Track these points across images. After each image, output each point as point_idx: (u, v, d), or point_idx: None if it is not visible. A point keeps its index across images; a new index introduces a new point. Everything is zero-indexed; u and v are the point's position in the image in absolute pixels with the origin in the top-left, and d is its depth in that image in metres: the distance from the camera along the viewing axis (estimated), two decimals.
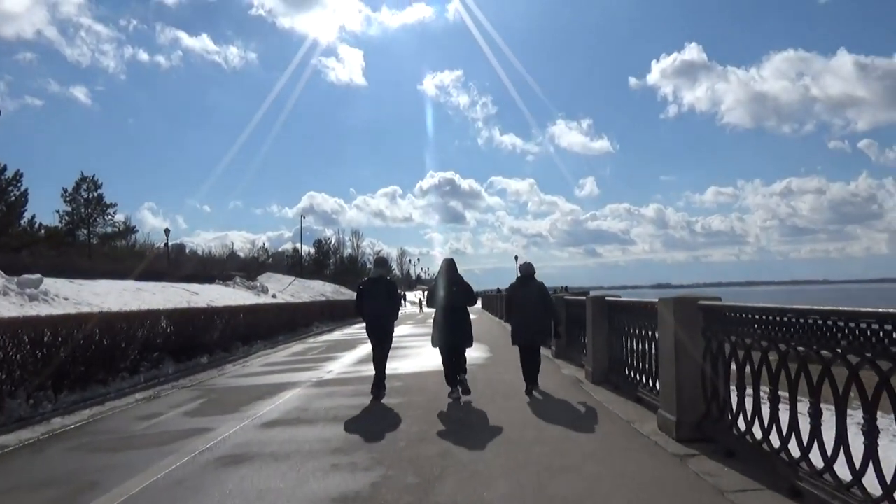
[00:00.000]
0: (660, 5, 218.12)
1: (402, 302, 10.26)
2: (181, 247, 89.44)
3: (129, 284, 27.34)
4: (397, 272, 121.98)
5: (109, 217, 54.36)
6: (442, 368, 9.13)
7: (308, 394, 10.37)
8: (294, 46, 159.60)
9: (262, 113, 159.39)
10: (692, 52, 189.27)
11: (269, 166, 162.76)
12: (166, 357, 13.67)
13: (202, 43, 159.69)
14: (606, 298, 9.70)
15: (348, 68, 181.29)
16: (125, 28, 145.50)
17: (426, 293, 9.83)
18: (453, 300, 8.88)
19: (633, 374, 8.10)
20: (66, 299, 19.70)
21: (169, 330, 14.43)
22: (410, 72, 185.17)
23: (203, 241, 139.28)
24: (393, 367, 12.44)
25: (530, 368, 9.05)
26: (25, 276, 19.33)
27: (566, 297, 13.35)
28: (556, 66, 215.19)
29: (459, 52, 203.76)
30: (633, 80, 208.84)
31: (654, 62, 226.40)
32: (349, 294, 60.37)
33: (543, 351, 10.39)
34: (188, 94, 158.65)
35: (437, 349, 9.11)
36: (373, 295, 9.36)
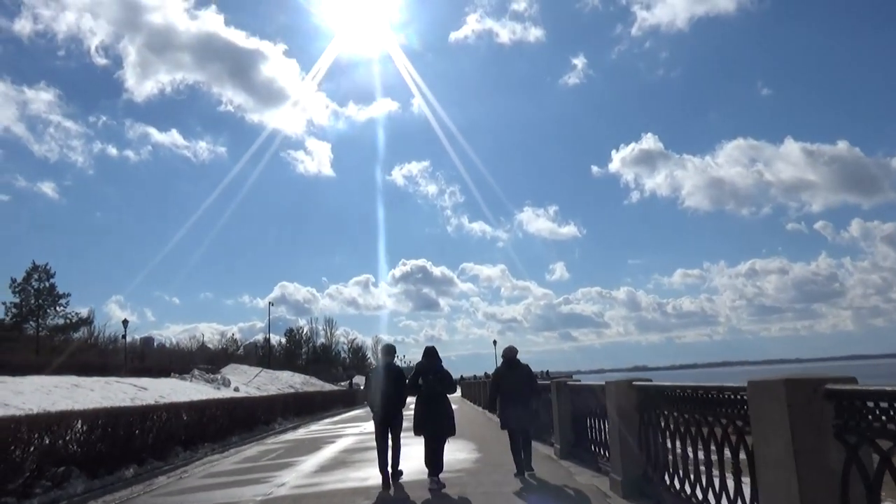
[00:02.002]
0: (615, 99, 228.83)
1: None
2: (149, 340, 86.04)
3: (65, 380, 24.17)
4: (372, 360, 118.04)
5: (61, 308, 50.89)
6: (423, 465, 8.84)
7: None
8: (262, 140, 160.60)
9: (232, 204, 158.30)
10: (649, 141, 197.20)
11: (240, 257, 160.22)
12: (74, 471, 10.84)
13: (171, 138, 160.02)
14: (567, 382, 10.87)
15: (316, 160, 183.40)
16: (94, 124, 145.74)
17: (407, 384, 9.28)
18: (434, 388, 8.84)
19: (594, 448, 9.09)
20: None
21: (86, 436, 11.66)
22: (378, 163, 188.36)
23: (172, 333, 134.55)
24: (361, 476, 9.95)
25: (525, 453, 9.14)
26: None
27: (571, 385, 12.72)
28: (520, 156, 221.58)
29: (425, 143, 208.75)
30: (595, 169, 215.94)
31: (613, 151, 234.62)
32: (319, 385, 56.86)
33: (545, 449, 10.92)
34: (157, 188, 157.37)
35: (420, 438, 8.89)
36: (381, 382, 9.15)
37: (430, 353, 9.13)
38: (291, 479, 10.76)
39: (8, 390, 19.44)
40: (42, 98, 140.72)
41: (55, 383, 22.95)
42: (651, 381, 6.75)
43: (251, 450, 17.00)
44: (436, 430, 8.71)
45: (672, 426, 5.96)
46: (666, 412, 6.07)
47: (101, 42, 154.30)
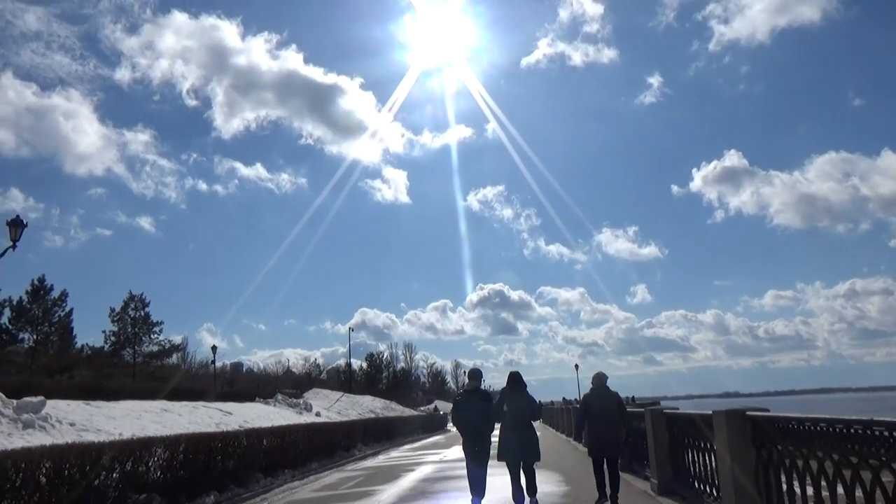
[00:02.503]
0: (694, 116, 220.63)
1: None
2: (238, 365, 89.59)
3: (155, 405, 24.90)
4: (452, 385, 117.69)
5: (155, 335, 53.14)
6: None
7: None
8: (341, 170, 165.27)
9: (313, 234, 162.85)
10: (732, 158, 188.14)
11: (322, 284, 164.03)
12: (156, 498, 10.79)
13: (256, 171, 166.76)
14: (663, 410, 9.95)
15: (393, 188, 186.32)
16: (186, 161, 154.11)
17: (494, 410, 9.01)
18: (520, 414, 8.65)
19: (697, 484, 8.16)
20: (71, 425, 17.26)
21: (168, 462, 11.66)
22: (453, 188, 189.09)
23: (259, 359, 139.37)
24: None
25: (613, 483, 8.72)
26: (26, 399, 17.04)
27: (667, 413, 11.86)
28: (597, 177, 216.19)
29: (500, 167, 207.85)
30: (675, 188, 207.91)
31: (694, 170, 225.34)
32: (399, 410, 56.73)
33: (641, 484, 10.13)
34: (243, 219, 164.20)
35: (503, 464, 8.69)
36: (468, 406, 8.96)
37: (515, 379, 8.90)
38: None
39: (102, 415, 20.13)
40: (140, 139, 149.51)
41: (146, 408, 23.67)
42: (768, 410, 6.07)
43: (330, 477, 16.72)
44: (523, 456, 8.54)
45: (800, 466, 5.14)
46: (791, 449, 5.20)
47: (192, 85, 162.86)
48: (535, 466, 8.82)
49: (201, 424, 22.35)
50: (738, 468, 6.06)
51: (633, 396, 63.98)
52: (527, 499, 8.51)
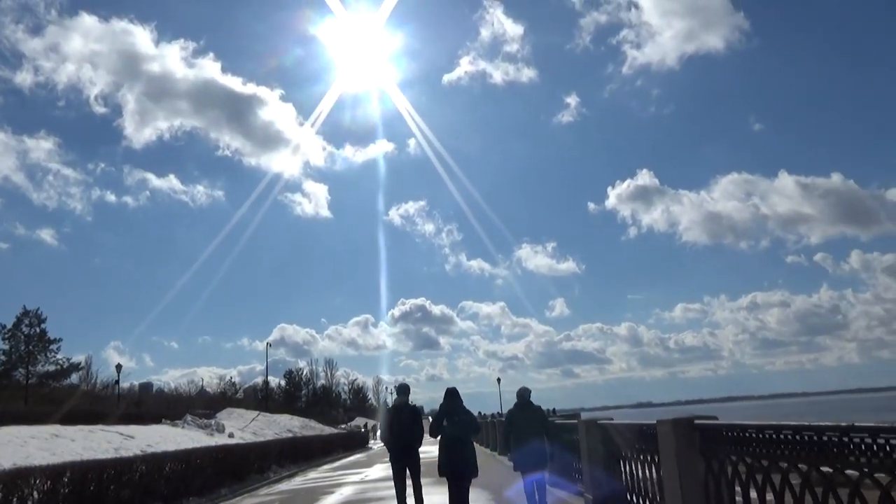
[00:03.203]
0: (609, 136, 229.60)
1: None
2: (148, 385, 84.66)
3: (45, 430, 22.54)
4: (374, 401, 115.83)
5: (52, 354, 49.18)
6: None
7: None
8: (260, 183, 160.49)
9: (229, 247, 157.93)
10: (644, 177, 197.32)
11: (239, 300, 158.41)
12: None
13: (169, 183, 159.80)
14: (598, 421, 9.55)
15: (314, 202, 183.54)
16: (93, 171, 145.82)
17: (430, 423, 9.25)
18: (459, 429, 8.64)
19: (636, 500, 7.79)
20: None
21: (49, 495, 10.26)
22: (375, 203, 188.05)
23: (171, 378, 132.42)
24: None
25: (541, 497, 8.91)
26: None
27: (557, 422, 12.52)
28: (517, 194, 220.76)
29: (422, 183, 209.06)
30: (591, 205, 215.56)
31: (609, 188, 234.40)
32: (319, 428, 54.82)
33: (575, 500, 9.98)
34: (155, 233, 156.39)
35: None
36: (398, 421, 9.21)
37: (453, 395, 8.88)
38: None
39: None
40: (42, 147, 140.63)
41: (33, 433, 21.35)
42: (717, 418, 5.83)
43: None
44: (462, 471, 8.57)
45: (753, 476, 4.82)
46: (745, 458, 4.87)
47: (101, 91, 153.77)
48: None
49: (97, 450, 20.38)
50: (685, 481, 5.68)
51: (555, 409, 64.88)
52: None
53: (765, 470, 4.49)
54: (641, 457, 7.49)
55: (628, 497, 7.98)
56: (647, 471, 7.33)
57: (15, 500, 9.51)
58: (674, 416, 6.03)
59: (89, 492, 11.43)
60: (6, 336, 47.73)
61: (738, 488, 5.03)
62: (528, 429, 9.04)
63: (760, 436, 4.55)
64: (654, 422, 6.56)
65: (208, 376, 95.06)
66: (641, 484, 7.55)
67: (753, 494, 4.82)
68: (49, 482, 10.44)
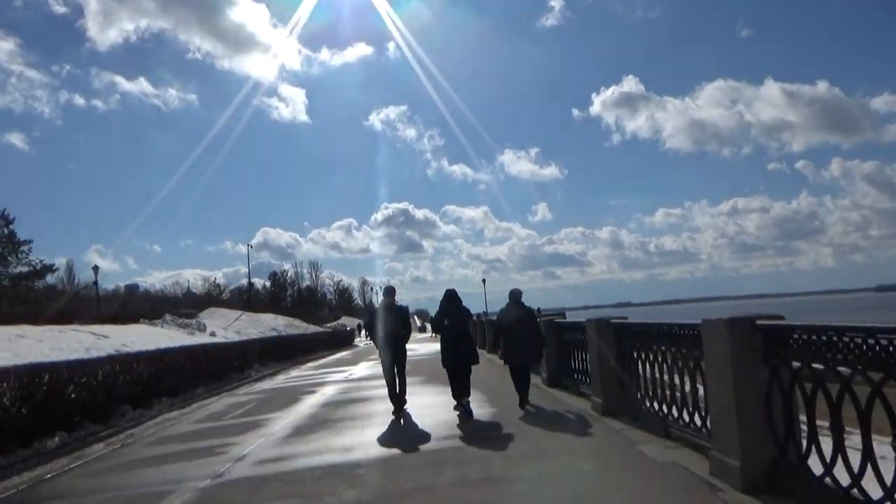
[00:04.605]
0: (595, 41, 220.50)
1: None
2: (133, 287, 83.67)
3: (9, 331, 21.40)
4: (360, 302, 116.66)
5: (24, 256, 47.55)
6: None
7: None
8: (234, 87, 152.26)
9: (206, 152, 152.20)
10: (630, 83, 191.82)
11: (220, 204, 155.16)
12: None
13: (140, 86, 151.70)
14: (554, 320, 11.69)
15: (291, 107, 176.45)
16: (58, 74, 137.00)
17: (432, 323, 10.45)
18: (460, 326, 9.53)
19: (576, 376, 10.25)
20: None
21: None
22: (355, 108, 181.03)
23: (157, 280, 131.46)
24: (345, 444, 7.59)
25: (524, 385, 9.57)
26: None
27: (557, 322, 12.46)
28: (500, 99, 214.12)
29: (403, 87, 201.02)
30: (576, 112, 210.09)
31: (594, 94, 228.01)
32: (304, 327, 54.65)
33: (534, 378, 10.56)
34: (129, 137, 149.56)
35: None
36: (385, 320, 9.81)
37: (453, 296, 9.68)
38: (254, 448, 8.31)
39: None
40: (2, 48, 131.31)
41: None
42: (626, 318, 7.90)
43: (218, 403, 14.57)
44: (464, 361, 9.38)
45: (644, 356, 6.94)
46: (638, 344, 7.12)
47: None
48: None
49: (66, 351, 19.31)
50: (605, 360, 7.93)
51: (539, 308, 65.23)
52: (464, 398, 9.28)
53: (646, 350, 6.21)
54: (580, 345, 8.80)
55: (573, 375, 9.54)
56: (583, 355, 8.73)
57: None
58: (634, 319, 7.49)
59: (42, 396, 10.30)
60: None
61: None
62: (517, 327, 9.54)
63: (646, 329, 6.39)
64: (585, 321, 7.85)
65: (193, 278, 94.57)
66: (581, 365, 9.37)
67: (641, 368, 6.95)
68: None
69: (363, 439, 8.21)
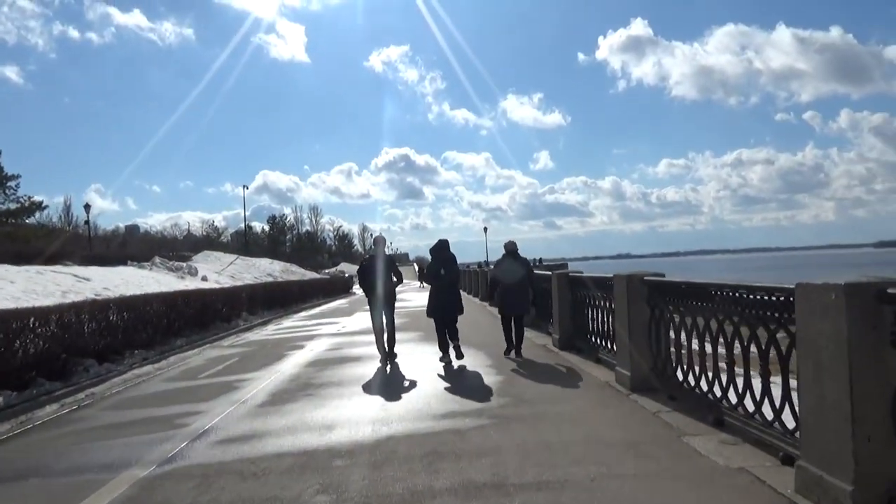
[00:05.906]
0: None
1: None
2: (134, 227, 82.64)
3: None
4: (359, 248, 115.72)
5: (11, 191, 45.96)
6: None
7: None
8: (231, 22, 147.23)
9: (202, 90, 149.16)
10: (638, 27, 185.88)
11: (218, 144, 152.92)
12: None
13: (135, 19, 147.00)
14: (568, 273, 10.94)
15: (290, 44, 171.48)
16: (50, 3, 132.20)
17: (421, 270, 9.53)
18: (451, 277, 10.01)
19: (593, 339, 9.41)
20: None
21: None
22: (355, 47, 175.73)
23: (156, 221, 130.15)
24: (327, 418, 6.29)
25: (518, 336, 10.03)
26: None
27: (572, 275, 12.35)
28: (504, 41, 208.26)
29: (405, 26, 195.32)
30: (581, 56, 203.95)
31: (601, 38, 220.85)
32: (300, 273, 53.45)
33: (544, 339, 11.30)
34: (126, 72, 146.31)
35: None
36: (375, 269, 10.03)
37: (445, 247, 10.07)
38: (221, 420, 7.08)
39: None
40: None
41: None
42: (664, 275, 6.84)
43: (197, 357, 13.37)
44: (452, 310, 9.91)
45: (688, 322, 5.92)
46: (682, 308, 6.04)
47: None
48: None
49: (40, 294, 18.06)
50: (634, 325, 6.92)
51: (541, 258, 64.31)
52: (450, 343, 9.87)
53: (693, 316, 5.67)
54: (601, 303, 8.83)
55: (588, 337, 9.56)
56: (604, 315, 8.71)
57: None
58: (645, 270, 7.04)
59: None
60: None
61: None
62: (512, 277, 9.96)
63: (692, 290, 5.73)
64: (612, 275, 7.69)
65: (193, 220, 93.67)
66: (600, 326, 8.95)
67: (683, 337, 6.00)
68: None
69: (347, 413, 6.96)
